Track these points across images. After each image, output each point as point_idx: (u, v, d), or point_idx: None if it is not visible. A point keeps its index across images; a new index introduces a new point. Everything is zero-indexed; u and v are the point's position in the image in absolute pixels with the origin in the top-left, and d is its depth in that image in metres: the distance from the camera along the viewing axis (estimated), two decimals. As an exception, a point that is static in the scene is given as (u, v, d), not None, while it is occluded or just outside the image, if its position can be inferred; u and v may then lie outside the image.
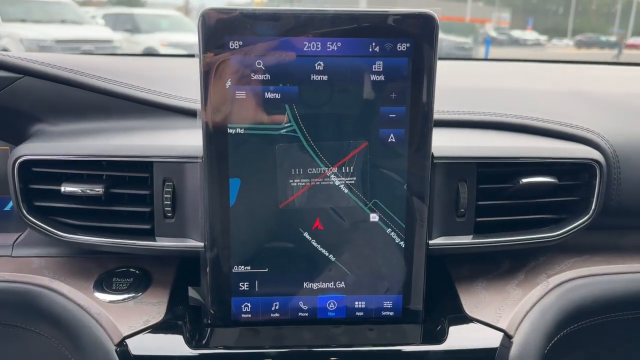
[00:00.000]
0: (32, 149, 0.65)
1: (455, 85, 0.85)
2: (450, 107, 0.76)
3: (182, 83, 0.78)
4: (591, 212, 0.70)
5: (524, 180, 0.68)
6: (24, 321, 0.71)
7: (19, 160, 0.65)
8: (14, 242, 0.75)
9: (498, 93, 0.84)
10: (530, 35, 21.95)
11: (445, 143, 0.67)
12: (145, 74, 0.78)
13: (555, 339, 0.71)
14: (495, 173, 0.69)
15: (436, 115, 0.72)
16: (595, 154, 0.70)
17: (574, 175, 0.71)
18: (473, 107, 0.77)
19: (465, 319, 0.67)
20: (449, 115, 0.75)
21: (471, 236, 0.68)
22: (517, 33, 22.12)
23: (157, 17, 10.19)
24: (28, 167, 0.66)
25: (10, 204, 0.80)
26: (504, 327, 0.65)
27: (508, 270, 0.74)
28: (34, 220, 0.66)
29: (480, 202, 0.68)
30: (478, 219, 0.69)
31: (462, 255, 0.75)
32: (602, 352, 0.88)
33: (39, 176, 0.66)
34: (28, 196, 0.66)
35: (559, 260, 0.76)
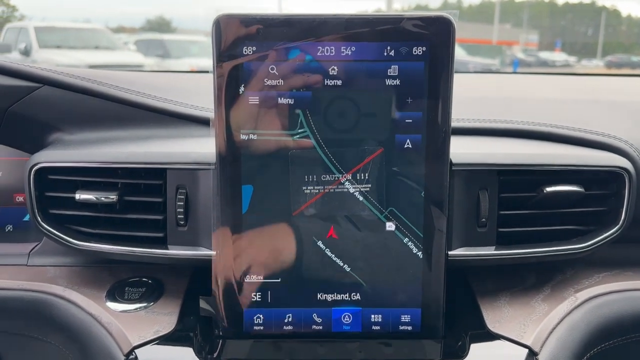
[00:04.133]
0: (48, 157, 0.66)
1: (479, 96, 0.83)
2: (473, 116, 0.74)
3: (197, 93, 0.78)
4: (620, 223, 0.67)
5: (549, 189, 0.65)
6: (36, 330, 0.71)
7: (35, 168, 0.65)
8: (30, 252, 0.75)
9: (524, 103, 0.81)
10: (559, 56, 21.70)
11: (465, 150, 0.65)
12: (161, 84, 0.79)
13: (585, 358, 0.67)
14: (518, 181, 0.66)
15: (457, 123, 0.71)
16: (623, 162, 0.67)
17: (601, 185, 0.68)
18: (497, 116, 0.74)
19: (488, 335, 0.63)
20: (470, 123, 0.72)
21: (493, 247, 0.66)
22: (545, 54, 21.89)
23: (187, 42, 10.45)
24: (44, 175, 0.66)
25: (28, 215, 0.80)
26: (528, 343, 0.62)
27: (533, 284, 0.71)
28: (49, 228, 0.66)
29: (502, 212, 0.66)
30: (500, 230, 0.66)
31: (484, 268, 0.72)
32: None
33: (55, 184, 0.67)
34: (43, 204, 0.67)
35: (587, 275, 0.73)
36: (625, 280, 0.72)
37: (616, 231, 0.67)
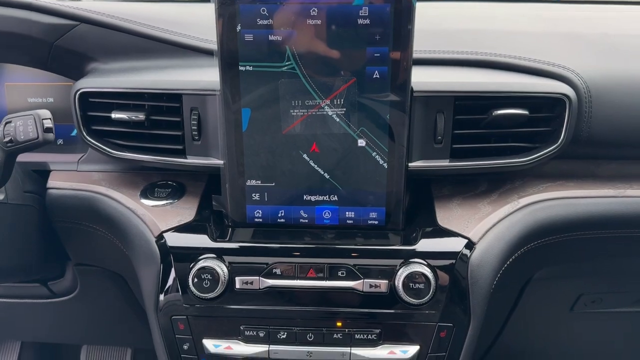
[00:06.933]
0: (89, 83, 0.81)
1: (445, 28, 0.92)
2: (437, 48, 0.84)
3: (208, 26, 0.90)
4: (560, 141, 0.79)
5: (497, 112, 0.77)
6: (87, 220, 0.90)
7: (78, 92, 0.81)
8: (78, 160, 0.93)
9: (487, 34, 0.90)
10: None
11: (425, 79, 0.77)
12: (177, 19, 0.91)
13: (520, 251, 0.82)
14: (471, 106, 0.78)
15: (419, 55, 0.82)
16: (565, 89, 0.78)
17: (546, 108, 0.79)
18: (460, 47, 0.85)
19: (437, 229, 0.79)
20: (431, 54, 0.83)
21: (447, 160, 0.79)
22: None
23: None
24: (86, 98, 0.82)
25: (75, 130, 0.97)
26: (468, 235, 0.77)
27: (484, 191, 0.85)
28: (92, 141, 0.83)
29: (456, 131, 0.79)
30: (454, 146, 0.79)
31: (444, 177, 0.86)
32: (565, 268, 0.99)
33: (95, 105, 0.82)
34: (87, 121, 0.83)
35: (533, 185, 0.86)
36: (565, 190, 0.85)
37: (555, 148, 0.79)
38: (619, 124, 0.82)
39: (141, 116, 0.81)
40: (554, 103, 0.79)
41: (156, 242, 0.80)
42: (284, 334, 0.77)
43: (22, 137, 0.72)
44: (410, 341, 0.77)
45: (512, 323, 1.12)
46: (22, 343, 1.55)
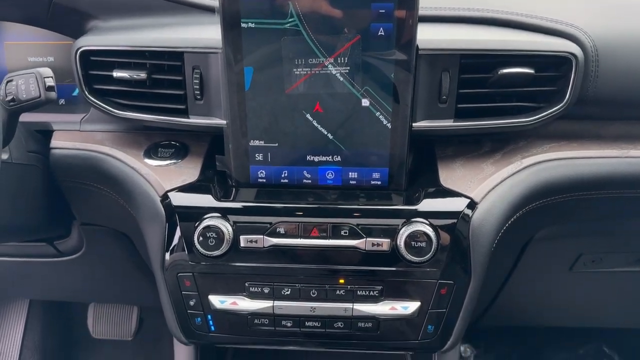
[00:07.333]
0: (89, 41, 0.80)
1: None
2: (443, 4, 0.83)
3: None
4: (565, 101, 0.78)
5: (503, 70, 0.76)
6: (91, 180, 0.90)
7: (79, 51, 0.80)
8: (81, 120, 0.92)
9: None
10: None
11: (431, 37, 0.76)
12: None
13: (522, 211, 0.83)
14: (477, 64, 0.77)
15: (424, 12, 0.81)
16: (572, 47, 0.76)
17: (552, 67, 0.78)
18: (467, 4, 0.83)
19: (440, 189, 0.80)
20: (437, 11, 0.81)
21: (452, 120, 0.79)
22: None
23: None
24: (87, 57, 0.81)
25: (77, 90, 0.96)
26: (471, 195, 0.78)
27: (488, 151, 0.84)
28: (94, 100, 0.83)
29: (461, 91, 0.78)
30: (459, 105, 0.79)
31: (448, 137, 0.86)
32: (567, 228, 0.99)
33: (96, 64, 0.82)
34: (88, 80, 0.82)
35: (537, 145, 0.85)
36: (569, 151, 0.85)
37: (560, 108, 0.78)
38: (625, 84, 0.81)
39: (143, 75, 0.80)
40: (561, 62, 0.78)
41: (161, 201, 0.80)
42: (288, 290, 0.79)
43: (24, 96, 0.71)
44: (411, 298, 0.79)
45: (512, 281, 1.14)
46: (30, 301, 1.58)
